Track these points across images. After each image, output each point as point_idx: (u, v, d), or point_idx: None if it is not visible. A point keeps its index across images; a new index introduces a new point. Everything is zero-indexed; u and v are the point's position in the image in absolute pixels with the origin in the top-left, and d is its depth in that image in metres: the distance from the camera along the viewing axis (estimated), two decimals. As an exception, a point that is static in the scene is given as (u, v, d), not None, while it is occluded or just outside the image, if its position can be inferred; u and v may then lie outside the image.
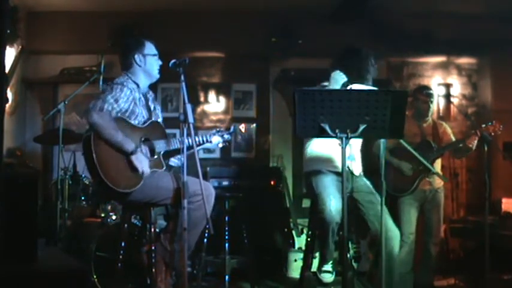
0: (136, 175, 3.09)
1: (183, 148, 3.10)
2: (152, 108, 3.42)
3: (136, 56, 3.32)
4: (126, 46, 3.41)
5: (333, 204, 3.26)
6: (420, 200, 4.35)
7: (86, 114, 3.05)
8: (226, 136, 3.60)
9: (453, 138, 4.45)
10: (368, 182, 3.60)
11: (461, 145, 4.30)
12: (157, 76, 3.41)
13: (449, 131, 4.51)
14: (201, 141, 3.49)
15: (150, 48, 3.37)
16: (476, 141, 4.20)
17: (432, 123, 4.51)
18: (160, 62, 3.39)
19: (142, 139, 3.21)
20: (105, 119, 3.02)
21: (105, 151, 3.03)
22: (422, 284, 4.38)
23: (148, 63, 3.35)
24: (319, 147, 3.55)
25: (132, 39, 3.50)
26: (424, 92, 4.42)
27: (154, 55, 3.36)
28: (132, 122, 3.20)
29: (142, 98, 3.35)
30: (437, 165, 4.41)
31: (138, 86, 3.33)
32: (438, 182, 4.41)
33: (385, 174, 3.26)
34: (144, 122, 3.27)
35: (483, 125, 4.14)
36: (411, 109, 4.53)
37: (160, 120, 3.44)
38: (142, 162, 3.10)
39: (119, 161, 3.06)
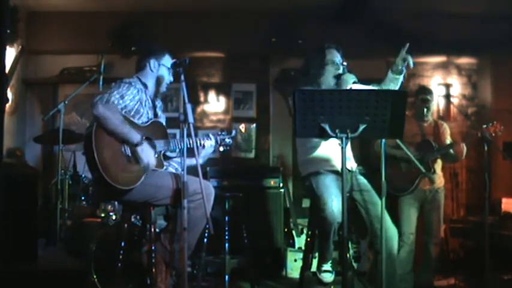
0: (136, 172, 3.09)
1: (182, 149, 3.10)
2: (159, 115, 3.43)
3: (152, 61, 3.36)
4: (145, 49, 3.45)
5: (335, 204, 3.25)
6: (420, 200, 4.35)
7: (91, 108, 3.04)
8: (227, 140, 3.58)
9: (449, 139, 4.46)
10: (365, 180, 3.60)
11: (451, 151, 4.33)
12: (164, 90, 3.44)
13: (447, 132, 4.51)
14: (197, 144, 3.46)
15: (169, 60, 3.40)
16: (465, 151, 4.29)
17: (433, 123, 4.51)
18: (171, 79, 3.41)
19: (144, 137, 3.21)
20: (111, 110, 3.03)
21: (105, 148, 3.03)
22: (422, 284, 4.38)
23: (162, 73, 3.38)
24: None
25: (156, 46, 3.51)
26: (422, 96, 4.41)
27: (168, 68, 3.38)
28: (136, 121, 3.21)
29: (149, 101, 3.36)
30: (438, 165, 4.41)
31: (146, 87, 3.34)
32: (439, 182, 4.41)
33: (386, 174, 3.26)
34: (146, 122, 3.28)
35: (484, 126, 4.15)
36: (412, 109, 4.54)
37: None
38: (148, 154, 3.11)
39: (119, 158, 3.07)
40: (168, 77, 3.41)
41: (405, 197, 4.31)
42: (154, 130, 3.29)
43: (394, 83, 3.48)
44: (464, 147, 4.28)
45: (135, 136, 3.08)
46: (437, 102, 6.01)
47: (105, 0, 5.53)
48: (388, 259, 3.38)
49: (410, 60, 3.33)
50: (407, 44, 3.32)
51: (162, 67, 3.38)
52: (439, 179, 4.42)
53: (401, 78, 3.46)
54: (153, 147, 3.23)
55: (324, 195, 3.32)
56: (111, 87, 3.21)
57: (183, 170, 3.00)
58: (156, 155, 3.23)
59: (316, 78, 3.51)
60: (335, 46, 3.57)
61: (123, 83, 3.21)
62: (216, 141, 3.55)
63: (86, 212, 4.46)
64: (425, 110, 4.40)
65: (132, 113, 3.20)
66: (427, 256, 4.40)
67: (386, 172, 3.24)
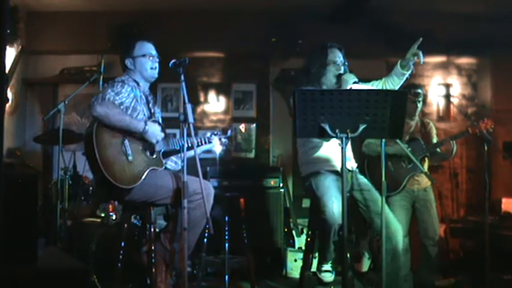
0: (137, 171, 3.10)
1: (183, 148, 3.10)
2: (152, 111, 3.43)
3: (126, 60, 3.36)
4: (120, 50, 3.45)
5: (335, 206, 3.24)
6: (410, 200, 4.32)
7: (89, 109, 3.07)
8: (223, 140, 3.57)
9: (435, 138, 4.44)
10: (366, 180, 3.59)
11: (438, 150, 4.31)
12: (153, 76, 3.39)
13: (434, 131, 4.50)
14: (200, 143, 3.47)
15: (140, 48, 3.35)
16: (455, 149, 4.25)
17: (420, 121, 4.50)
18: (155, 61, 3.36)
19: (146, 121, 3.22)
20: (108, 106, 3.05)
21: (106, 147, 3.04)
22: (423, 285, 4.37)
23: (139, 65, 3.34)
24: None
25: (123, 43, 3.50)
26: (412, 92, 4.39)
27: (143, 55, 3.33)
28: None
29: (144, 97, 3.36)
30: (425, 164, 4.39)
31: (138, 84, 3.34)
32: (425, 182, 4.37)
33: (380, 173, 3.26)
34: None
35: (474, 123, 4.16)
36: None
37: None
38: (155, 133, 3.20)
39: (120, 157, 3.08)
40: (149, 65, 3.34)
41: (395, 198, 4.26)
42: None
43: (399, 77, 3.49)
44: (454, 145, 4.25)
45: (139, 125, 3.13)
46: (437, 102, 6.02)
47: (105, 0, 5.53)
48: (393, 254, 3.38)
49: (421, 56, 3.34)
50: (421, 39, 3.33)
51: (138, 59, 3.33)
52: (426, 179, 4.38)
53: (407, 74, 3.48)
54: (155, 122, 3.26)
55: (324, 197, 3.31)
56: (105, 87, 3.22)
57: (183, 169, 3.01)
58: (155, 155, 3.25)
59: (318, 78, 3.50)
60: (337, 46, 3.57)
61: (117, 82, 3.23)
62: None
63: (86, 212, 4.46)
64: (418, 104, 4.38)
65: (129, 110, 3.21)
66: (427, 257, 4.37)
67: (375, 171, 3.24)
